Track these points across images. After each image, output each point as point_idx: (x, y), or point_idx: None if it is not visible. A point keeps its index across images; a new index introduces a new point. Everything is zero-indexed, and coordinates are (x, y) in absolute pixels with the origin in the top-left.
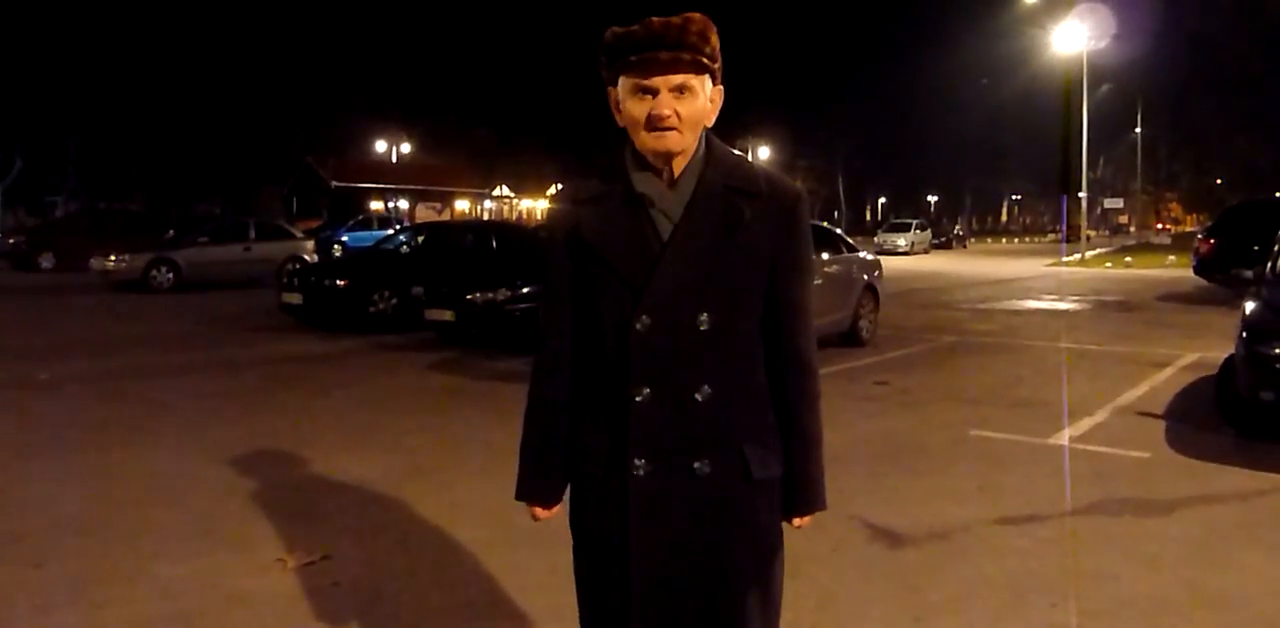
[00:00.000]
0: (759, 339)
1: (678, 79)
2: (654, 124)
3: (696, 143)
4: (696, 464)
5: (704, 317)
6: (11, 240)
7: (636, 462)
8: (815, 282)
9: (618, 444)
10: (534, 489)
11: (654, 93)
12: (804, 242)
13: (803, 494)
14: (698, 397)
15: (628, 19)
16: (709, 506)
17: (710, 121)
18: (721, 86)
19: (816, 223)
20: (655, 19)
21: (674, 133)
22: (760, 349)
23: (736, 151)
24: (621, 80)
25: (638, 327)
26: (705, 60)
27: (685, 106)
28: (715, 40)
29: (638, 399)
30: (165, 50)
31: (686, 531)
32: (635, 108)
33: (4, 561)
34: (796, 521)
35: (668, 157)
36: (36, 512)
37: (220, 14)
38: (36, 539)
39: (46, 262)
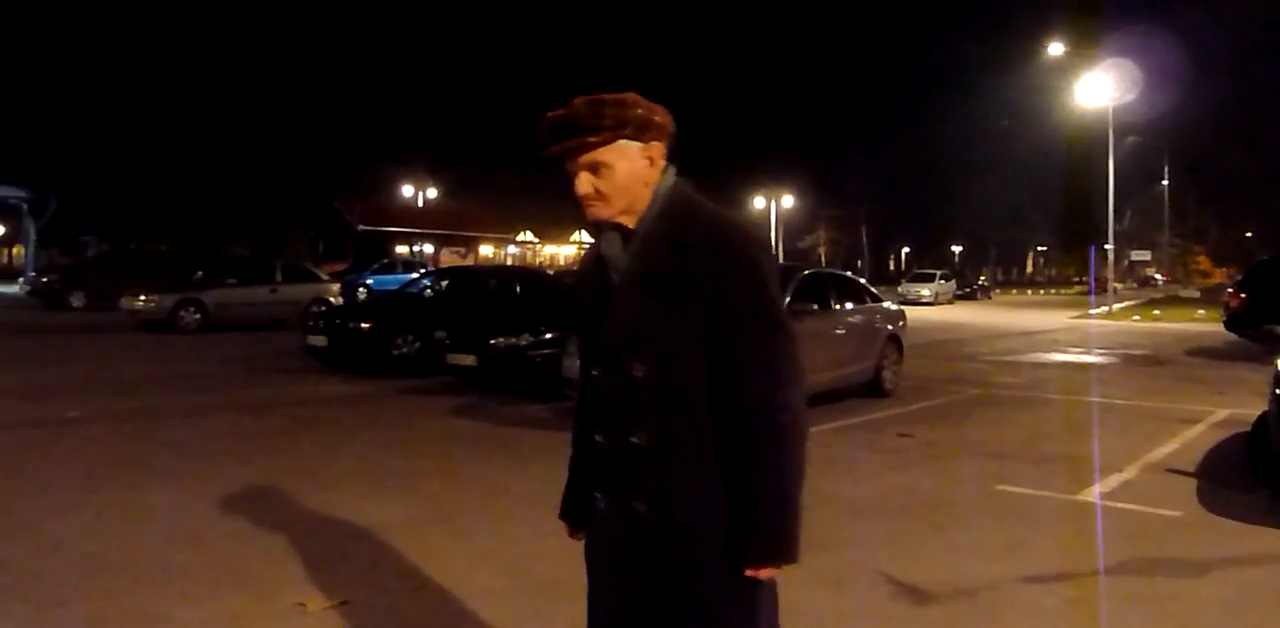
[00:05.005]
0: (702, 387)
1: (584, 161)
2: (581, 202)
3: (648, 202)
4: (635, 504)
5: (639, 366)
6: (44, 279)
7: (598, 496)
8: (837, 331)
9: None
10: (567, 508)
11: (574, 175)
12: (747, 292)
13: (741, 544)
14: (635, 440)
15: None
16: (645, 545)
17: (651, 178)
18: (658, 142)
19: (839, 272)
20: (548, 114)
21: (597, 205)
22: (703, 397)
23: (696, 201)
24: None
25: (593, 374)
26: (605, 134)
27: (604, 181)
28: (615, 109)
29: (598, 439)
30: (198, 96)
31: (629, 570)
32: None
33: (28, 598)
34: (748, 571)
35: (608, 222)
36: (61, 549)
37: (252, 61)
38: (60, 577)
39: (77, 300)
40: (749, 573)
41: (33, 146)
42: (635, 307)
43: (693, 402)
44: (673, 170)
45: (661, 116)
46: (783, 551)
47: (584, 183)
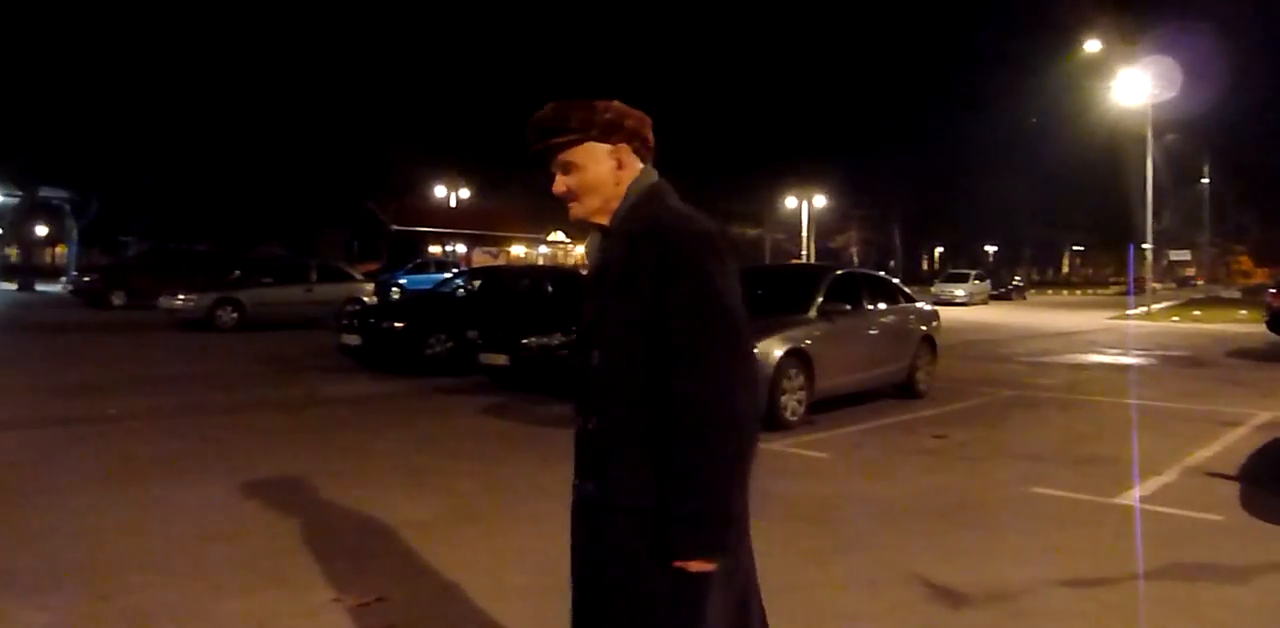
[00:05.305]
0: (643, 374)
1: (558, 161)
2: (561, 200)
3: (620, 201)
4: (588, 486)
5: (595, 354)
6: (86, 278)
7: (574, 479)
8: (870, 331)
9: None
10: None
11: (553, 177)
12: (686, 281)
13: (668, 534)
14: (589, 425)
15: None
16: (592, 526)
17: (622, 179)
18: (626, 145)
19: (872, 272)
20: (530, 118)
21: (573, 204)
22: (645, 385)
23: (661, 198)
24: None
25: (574, 365)
26: (571, 136)
27: (575, 180)
28: (581, 113)
29: (575, 426)
30: (237, 99)
31: (581, 552)
32: None
33: (69, 592)
34: (677, 563)
35: (584, 222)
36: (102, 544)
37: (290, 64)
38: (99, 571)
39: (118, 299)
40: (678, 565)
41: (75, 149)
42: (596, 299)
43: (635, 388)
44: (653, 172)
45: (633, 121)
46: (711, 543)
47: (558, 182)
